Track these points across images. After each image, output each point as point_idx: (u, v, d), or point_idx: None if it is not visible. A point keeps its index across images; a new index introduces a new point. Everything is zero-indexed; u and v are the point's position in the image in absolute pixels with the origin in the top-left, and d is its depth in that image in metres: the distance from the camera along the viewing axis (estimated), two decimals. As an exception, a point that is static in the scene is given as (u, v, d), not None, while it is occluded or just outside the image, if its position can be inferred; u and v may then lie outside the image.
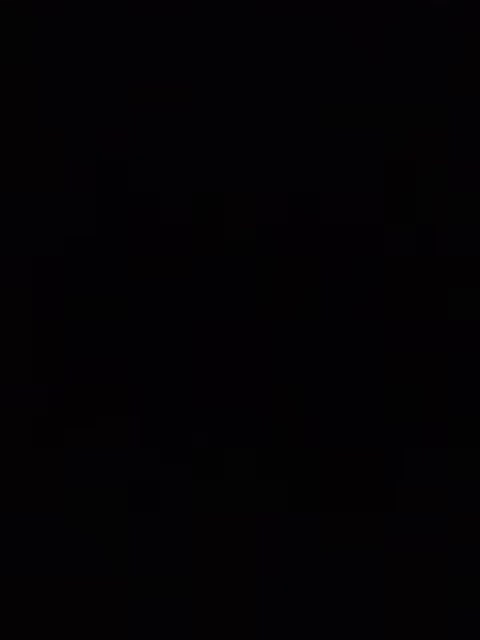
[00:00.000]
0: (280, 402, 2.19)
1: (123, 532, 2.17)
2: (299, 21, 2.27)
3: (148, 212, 2.23)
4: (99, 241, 2.23)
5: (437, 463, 2.18)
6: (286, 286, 2.21)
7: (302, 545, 2.14)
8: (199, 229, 2.22)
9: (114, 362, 2.22)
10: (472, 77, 2.24)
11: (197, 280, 2.21)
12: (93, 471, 2.19)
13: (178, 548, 2.16)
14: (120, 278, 2.22)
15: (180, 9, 2.27)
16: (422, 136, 2.22)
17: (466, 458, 2.17)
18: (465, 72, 2.24)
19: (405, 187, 2.22)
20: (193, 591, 2.13)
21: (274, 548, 2.14)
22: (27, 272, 2.23)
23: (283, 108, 2.25)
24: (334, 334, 2.20)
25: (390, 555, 2.14)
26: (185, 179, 2.24)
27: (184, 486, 2.19)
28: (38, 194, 2.25)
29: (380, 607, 2.10)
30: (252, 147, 2.24)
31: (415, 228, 2.20)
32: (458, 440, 2.17)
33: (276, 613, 2.11)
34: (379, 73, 2.24)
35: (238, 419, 2.19)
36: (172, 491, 2.19)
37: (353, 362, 2.19)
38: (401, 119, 2.23)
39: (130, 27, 2.27)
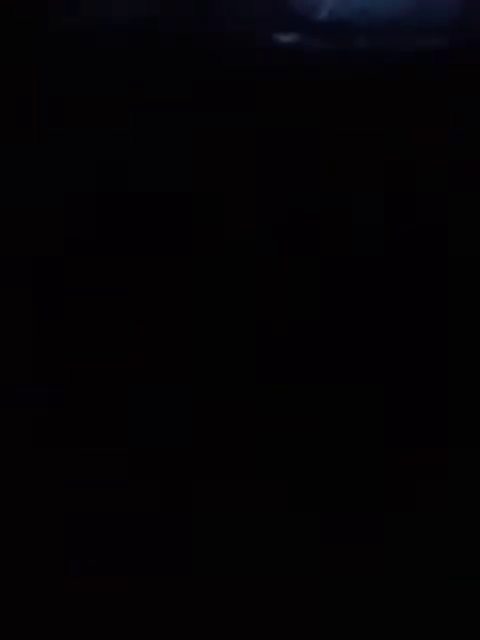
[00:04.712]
0: (280, 401, 2.19)
1: (123, 532, 2.17)
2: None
3: (148, 212, 2.23)
4: (99, 241, 2.23)
5: (437, 463, 2.18)
6: (286, 286, 2.21)
7: (302, 545, 2.14)
8: (199, 229, 2.22)
9: (114, 361, 2.22)
10: (472, 78, 2.24)
11: (197, 279, 2.22)
12: (93, 471, 2.19)
13: (178, 548, 2.16)
14: (120, 278, 2.22)
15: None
16: (422, 136, 2.23)
17: (466, 458, 2.17)
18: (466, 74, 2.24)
19: (405, 187, 2.22)
20: (193, 591, 2.13)
21: (274, 548, 2.15)
22: (27, 272, 2.23)
23: (283, 109, 2.25)
24: (335, 334, 2.20)
25: (390, 555, 2.14)
26: (185, 179, 2.24)
27: (184, 486, 2.19)
28: (38, 194, 2.25)
29: (380, 607, 2.10)
30: (252, 147, 2.24)
31: (415, 228, 2.20)
32: (458, 440, 2.17)
33: (276, 613, 2.11)
34: (380, 73, 2.25)
35: (238, 418, 2.19)
36: (172, 491, 2.19)
37: (354, 362, 2.19)
38: (401, 119, 2.23)
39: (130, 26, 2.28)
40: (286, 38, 2.30)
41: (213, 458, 2.19)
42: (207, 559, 2.15)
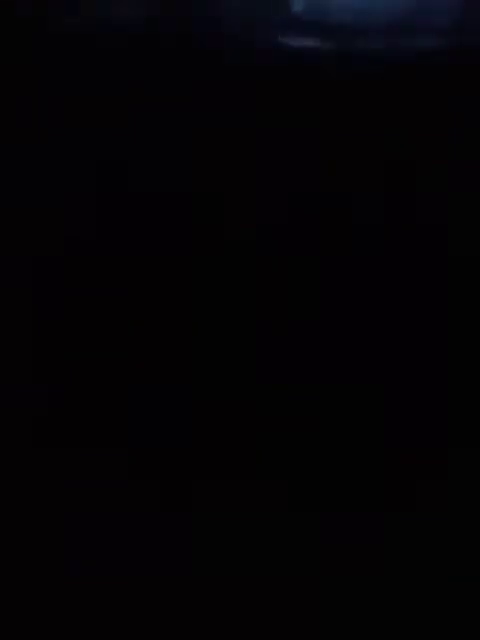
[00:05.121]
0: (280, 401, 2.19)
1: (123, 532, 2.17)
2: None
3: (148, 212, 2.23)
4: (99, 241, 2.23)
5: (437, 463, 2.18)
6: (286, 286, 2.21)
7: (302, 545, 2.14)
8: (199, 229, 2.22)
9: (114, 361, 2.22)
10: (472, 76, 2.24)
11: (197, 279, 2.21)
12: (93, 471, 2.19)
13: (178, 548, 2.16)
14: (120, 278, 2.22)
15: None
16: (422, 136, 2.22)
17: (466, 458, 2.17)
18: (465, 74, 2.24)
19: (405, 187, 2.22)
20: (193, 591, 2.13)
21: (274, 548, 2.15)
22: (27, 272, 2.23)
23: (283, 109, 2.25)
24: (334, 334, 2.20)
25: (390, 555, 2.14)
26: (185, 179, 2.24)
27: (184, 486, 2.19)
28: (38, 194, 2.25)
29: (380, 607, 2.10)
30: (252, 147, 2.24)
31: (415, 228, 2.20)
32: (458, 440, 2.17)
33: (276, 613, 2.11)
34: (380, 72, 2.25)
35: (238, 418, 2.19)
36: (171, 491, 2.19)
37: (354, 362, 2.19)
38: (401, 120, 2.23)
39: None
40: (286, 38, 2.30)
41: (213, 458, 2.19)
42: (207, 559, 2.15)
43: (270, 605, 2.11)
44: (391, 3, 2.31)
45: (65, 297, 2.23)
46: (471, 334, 2.19)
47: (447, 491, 2.17)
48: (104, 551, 2.15)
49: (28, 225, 2.25)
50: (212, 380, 2.20)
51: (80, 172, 2.25)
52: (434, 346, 2.20)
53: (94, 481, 2.19)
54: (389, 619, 2.09)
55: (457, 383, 2.19)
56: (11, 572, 2.14)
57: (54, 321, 2.23)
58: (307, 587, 2.12)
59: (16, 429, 2.21)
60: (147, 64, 2.26)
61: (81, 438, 2.20)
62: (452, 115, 2.22)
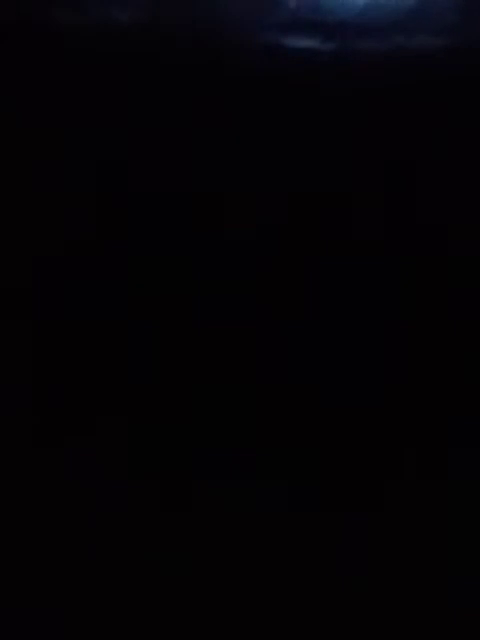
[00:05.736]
0: (280, 401, 2.19)
1: (122, 532, 2.17)
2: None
3: (147, 213, 2.23)
4: (99, 242, 2.23)
5: (437, 463, 2.18)
6: (286, 286, 2.21)
7: (302, 545, 2.14)
8: (198, 230, 2.22)
9: (114, 362, 2.22)
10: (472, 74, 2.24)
11: (197, 280, 2.21)
12: (93, 472, 2.19)
13: (177, 548, 2.16)
14: (120, 278, 2.22)
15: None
16: (422, 137, 2.22)
17: (466, 458, 2.17)
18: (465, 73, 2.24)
19: (405, 188, 2.22)
20: (193, 592, 2.13)
21: (274, 548, 2.15)
22: (27, 272, 2.23)
23: (282, 109, 2.25)
24: (334, 334, 2.20)
25: (389, 556, 2.14)
26: (185, 180, 2.24)
27: (184, 486, 2.19)
28: (38, 194, 2.25)
29: (380, 607, 2.10)
30: (252, 147, 2.24)
31: (415, 228, 2.20)
32: (458, 440, 2.17)
33: (276, 613, 2.11)
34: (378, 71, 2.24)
35: (238, 419, 2.19)
36: (171, 491, 2.19)
37: (354, 363, 2.20)
38: (401, 120, 2.23)
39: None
40: (286, 38, 2.30)
41: (213, 458, 2.19)
42: (207, 559, 2.15)
43: (270, 605, 2.11)
44: (391, 3, 2.30)
45: (64, 297, 2.23)
46: (472, 335, 2.19)
47: (447, 491, 2.17)
48: (104, 551, 2.15)
49: (28, 225, 2.25)
50: (212, 380, 2.21)
51: (80, 172, 2.26)
52: (434, 346, 2.20)
53: (94, 481, 2.19)
54: (389, 619, 2.10)
55: (457, 383, 2.19)
56: (10, 572, 2.14)
57: (53, 322, 2.23)
58: (307, 587, 2.12)
59: (16, 429, 2.21)
60: (144, 63, 2.26)
61: (81, 438, 2.20)
62: (452, 116, 2.22)
